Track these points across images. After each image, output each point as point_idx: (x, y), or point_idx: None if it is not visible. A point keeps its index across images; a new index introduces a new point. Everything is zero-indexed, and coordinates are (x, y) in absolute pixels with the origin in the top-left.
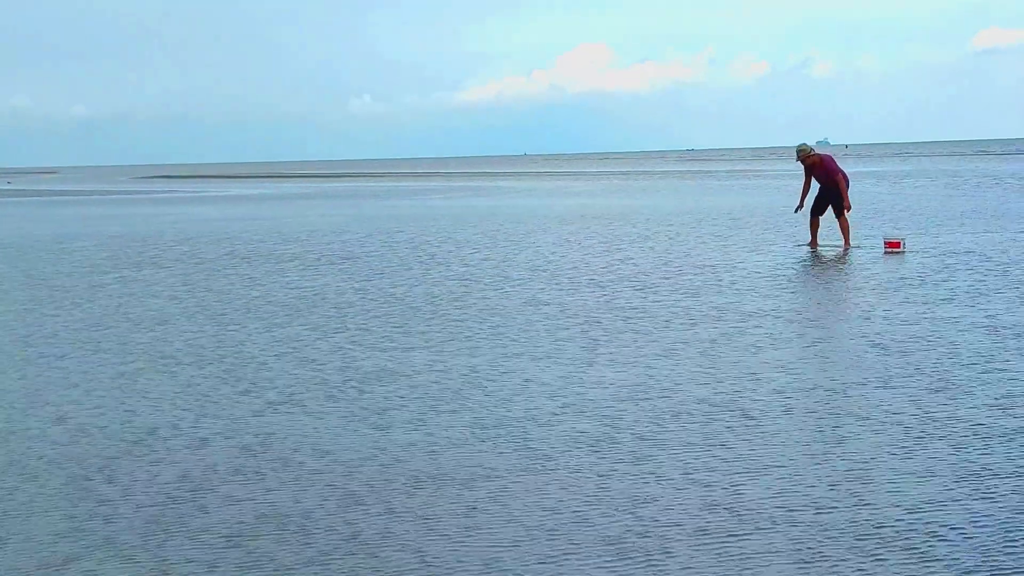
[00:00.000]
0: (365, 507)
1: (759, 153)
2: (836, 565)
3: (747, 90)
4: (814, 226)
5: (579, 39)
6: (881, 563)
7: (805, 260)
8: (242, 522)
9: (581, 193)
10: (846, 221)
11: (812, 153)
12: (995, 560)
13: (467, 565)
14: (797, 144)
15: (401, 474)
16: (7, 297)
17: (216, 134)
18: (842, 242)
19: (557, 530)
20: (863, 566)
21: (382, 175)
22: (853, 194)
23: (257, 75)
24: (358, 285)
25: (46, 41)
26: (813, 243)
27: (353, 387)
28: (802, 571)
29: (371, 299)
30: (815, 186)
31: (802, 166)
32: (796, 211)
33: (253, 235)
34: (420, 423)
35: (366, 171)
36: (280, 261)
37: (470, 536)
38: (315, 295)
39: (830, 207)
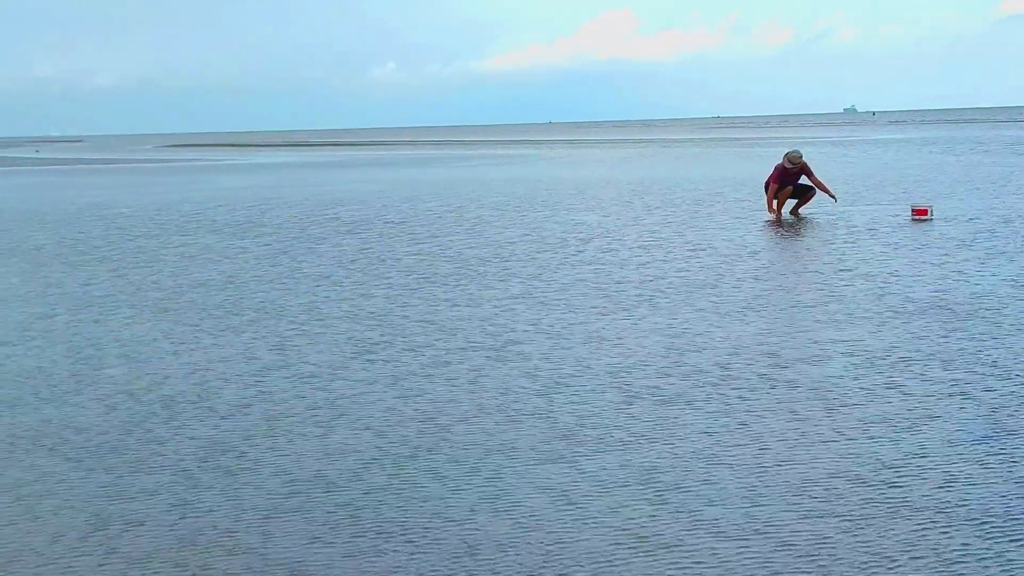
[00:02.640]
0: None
1: (786, 120)
2: None
3: (772, 57)
4: (782, 199)
5: (602, 6)
6: None
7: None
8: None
9: (630, 160)
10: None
11: (801, 160)
12: None
13: None
14: (791, 152)
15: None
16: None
17: (238, 103)
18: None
19: None
20: None
21: (411, 143)
22: (874, 163)
23: (280, 43)
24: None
25: (68, 11)
26: (770, 210)
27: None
28: None
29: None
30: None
31: (793, 167)
32: (835, 201)
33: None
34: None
35: (393, 139)
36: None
37: None
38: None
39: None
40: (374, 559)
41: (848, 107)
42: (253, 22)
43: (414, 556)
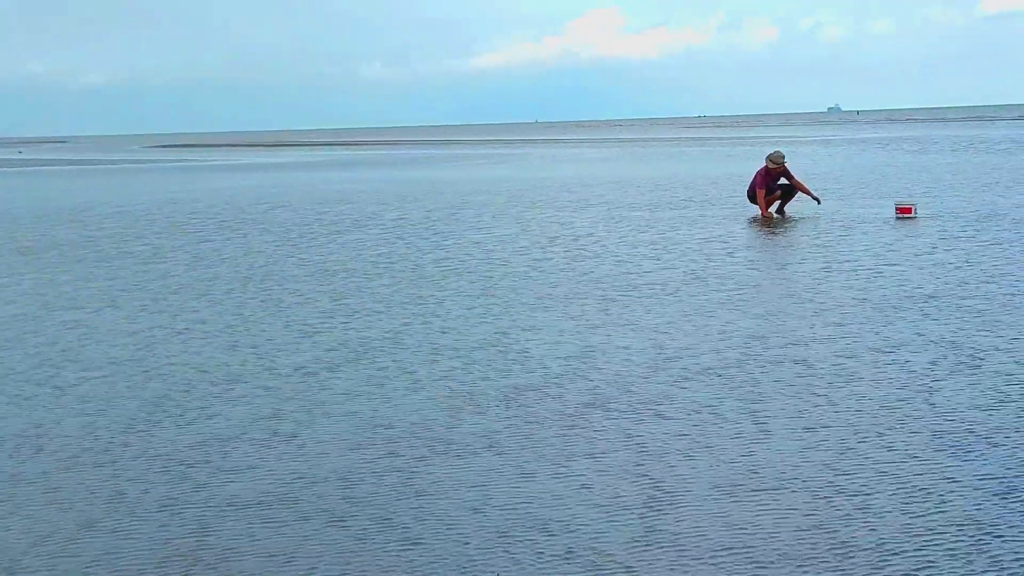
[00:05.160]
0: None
1: (770, 119)
2: None
3: (758, 56)
4: (770, 201)
5: (589, 4)
6: None
7: (820, 228)
8: None
9: (609, 160)
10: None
11: (783, 161)
12: None
13: None
14: (774, 153)
15: None
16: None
17: (223, 103)
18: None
19: None
20: None
21: (399, 143)
22: (861, 163)
23: (265, 42)
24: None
25: (54, 10)
26: (764, 214)
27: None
28: None
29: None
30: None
31: (776, 167)
32: (819, 203)
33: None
34: None
35: (382, 139)
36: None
37: None
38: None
39: (780, 196)
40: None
41: (832, 106)
42: (238, 21)
43: None
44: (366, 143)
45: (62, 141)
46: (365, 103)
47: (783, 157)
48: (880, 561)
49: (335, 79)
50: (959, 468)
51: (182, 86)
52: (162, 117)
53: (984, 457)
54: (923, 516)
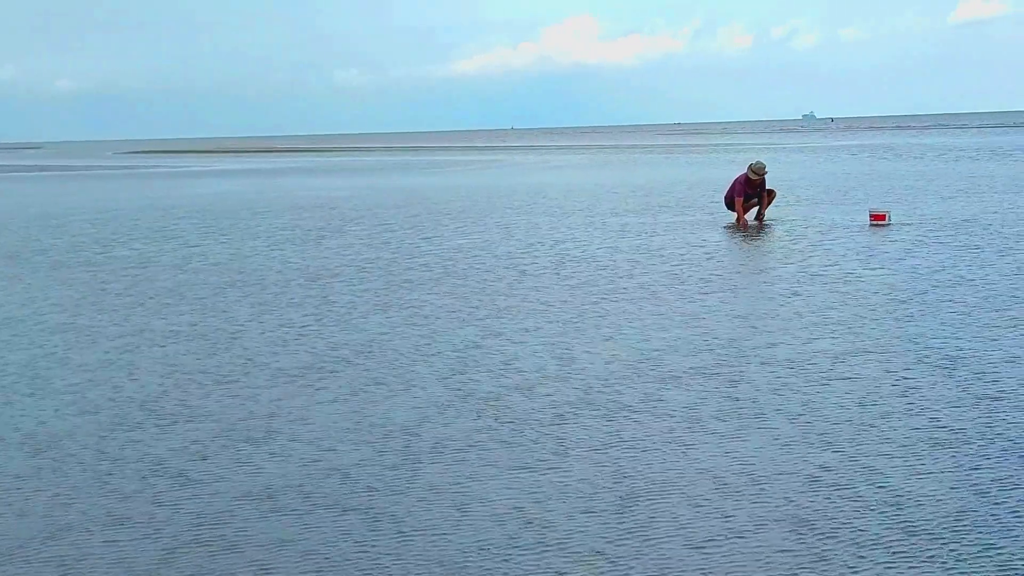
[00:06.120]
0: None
1: (746, 127)
2: None
3: (733, 63)
4: (748, 208)
5: (566, 11)
6: None
7: (787, 235)
8: None
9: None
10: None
11: (764, 172)
12: None
13: None
14: (756, 164)
15: None
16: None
17: (198, 109)
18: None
19: None
20: None
21: (376, 150)
22: (835, 170)
23: (240, 48)
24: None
25: (30, 13)
26: (741, 222)
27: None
28: None
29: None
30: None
31: (757, 178)
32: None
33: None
34: None
35: (358, 146)
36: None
37: None
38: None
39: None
40: None
41: (807, 113)
42: (212, 28)
43: None
44: (342, 150)
45: (37, 147)
46: (341, 110)
47: (765, 169)
48: (857, 559)
49: (311, 86)
50: (935, 464)
51: (155, 92)
52: (135, 123)
53: (959, 454)
54: (900, 513)
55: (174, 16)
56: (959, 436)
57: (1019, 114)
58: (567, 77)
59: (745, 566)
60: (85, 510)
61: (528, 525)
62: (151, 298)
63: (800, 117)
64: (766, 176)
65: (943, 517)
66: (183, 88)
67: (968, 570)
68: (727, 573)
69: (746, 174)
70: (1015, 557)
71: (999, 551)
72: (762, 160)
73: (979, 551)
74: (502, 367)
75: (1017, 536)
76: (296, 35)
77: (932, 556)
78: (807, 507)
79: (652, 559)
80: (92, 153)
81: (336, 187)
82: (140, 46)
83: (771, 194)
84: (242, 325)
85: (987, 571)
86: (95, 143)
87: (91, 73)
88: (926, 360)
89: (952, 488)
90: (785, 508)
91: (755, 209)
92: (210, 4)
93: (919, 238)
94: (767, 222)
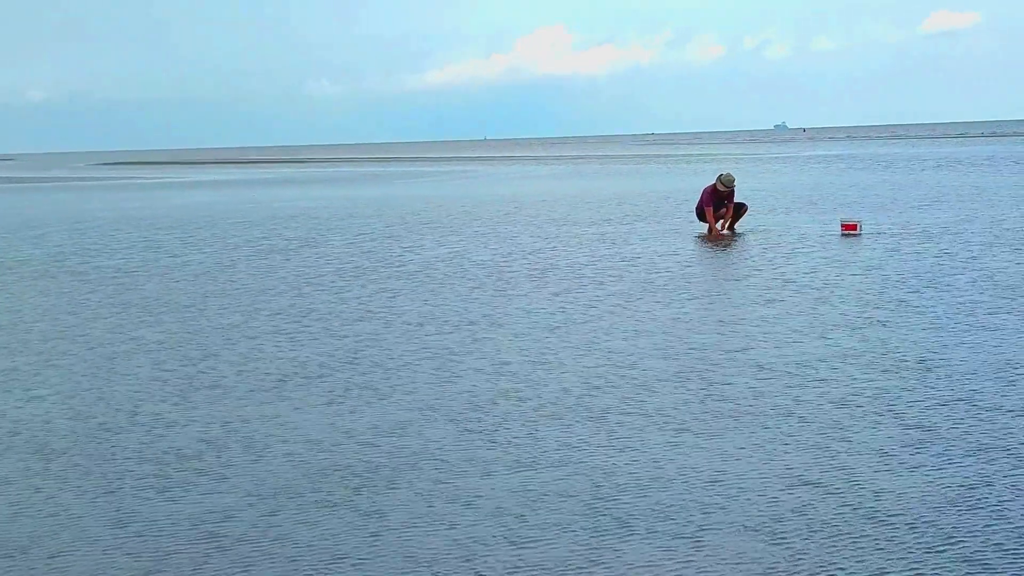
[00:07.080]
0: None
1: (718, 137)
2: None
3: (705, 74)
4: (718, 217)
5: (538, 22)
6: None
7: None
8: None
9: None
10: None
11: (734, 184)
12: None
13: None
14: (725, 176)
15: None
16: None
17: (168, 120)
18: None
19: None
20: None
21: (348, 161)
22: (804, 181)
23: (209, 59)
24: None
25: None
26: (713, 231)
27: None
28: None
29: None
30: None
31: (725, 189)
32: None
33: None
34: None
35: (331, 157)
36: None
37: None
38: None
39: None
40: None
41: (779, 124)
42: (182, 38)
43: None
44: (315, 160)
45: (9, 159)
46: (312, 121)
47: (734, 181)
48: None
49: (280, 96)
50: (907, 464)
51: (125, 103)
52: (106, 134)
53: (940, 455)
54: (876, 513)
55: (144, 27)
56: (931, 435)
57: (987, 124)
58: (540, 87)
59: (721, 567)
60: (75, 514)
61: (507, 526)
62: (136, 306)
63: (772, 127)
64: (735, 188)
65: (916, 516)
66: (155, 99)
67: (938, 563)
68: (703, 572)
69: (714, 184)
70: (980, 552)
71: (965, 545)
72: (731, 173)
73: (947, 545)
74: (489, 370)
75: (984, 531)
76: (267, 44)
77: (906, 551)
78: (783, 505)
79: (630, 558)
80: (65, 164)
81: (312, 198)
82: (111, 56)
83: (741, 208)
84: (226, 333)
85: (956, 564)
86: (68, 154)
87: (62, 83)
88: (899, 364)
89: (926, 486)
90: (760, 508)
91: (722, 221)
92: (182, 14)
93: (890, 247)
94: (739, 232)
